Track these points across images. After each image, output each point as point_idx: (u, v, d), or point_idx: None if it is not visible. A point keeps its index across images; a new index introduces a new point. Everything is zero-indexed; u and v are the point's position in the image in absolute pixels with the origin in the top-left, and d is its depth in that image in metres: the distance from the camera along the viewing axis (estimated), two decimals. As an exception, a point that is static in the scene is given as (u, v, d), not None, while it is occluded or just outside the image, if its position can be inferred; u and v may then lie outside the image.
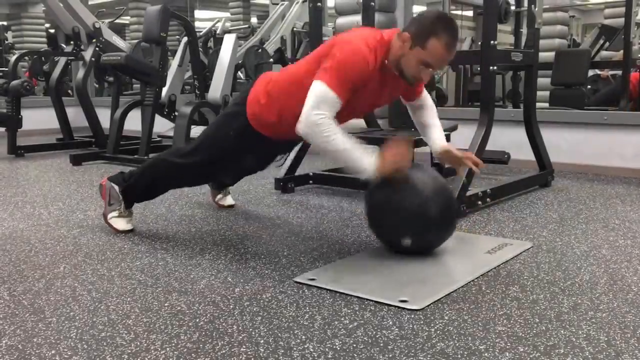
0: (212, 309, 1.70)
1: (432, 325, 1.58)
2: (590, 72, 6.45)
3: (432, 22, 1.98)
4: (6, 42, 12.15)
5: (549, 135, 3.83)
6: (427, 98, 2.43)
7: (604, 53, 7.34)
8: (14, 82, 4.87)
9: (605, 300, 1.75)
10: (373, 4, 3.93)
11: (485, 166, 2.40)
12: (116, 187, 2.51)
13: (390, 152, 2.00)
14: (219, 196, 3.03)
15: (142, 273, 2.02)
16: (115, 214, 2.54)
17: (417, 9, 9.69)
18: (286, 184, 3.44)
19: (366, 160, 1.98)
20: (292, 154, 3.67)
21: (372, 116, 4.01)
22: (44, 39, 12.14)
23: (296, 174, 3.52)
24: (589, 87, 6.45)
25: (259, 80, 2.30)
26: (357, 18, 4.04)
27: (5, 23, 12.34)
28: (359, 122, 4.16)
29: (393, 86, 2.20)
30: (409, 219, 2.07)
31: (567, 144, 4.13)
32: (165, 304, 1.74)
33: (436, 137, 2.37)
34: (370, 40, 2.03)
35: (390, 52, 2.05)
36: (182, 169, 2.41)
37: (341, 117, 2.11)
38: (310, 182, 3.57)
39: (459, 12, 10.01)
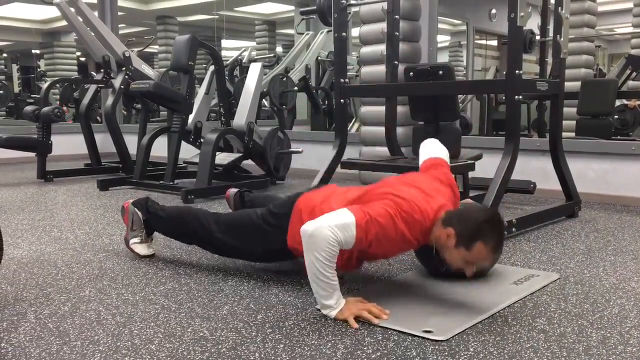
0: (234, 336, 1.70)
1: (457, 357, 1.56)
2: (618, 103, 6.39)
3: (479, 225, 1.86)
4: (39, 70, 12.49)
5: (575, 166, 3.79)
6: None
7: (631, 83, 7.27)
8: (46, 109, 4.99)
9: (636, 335, 1.71)
10: (397, 34, 3.96)
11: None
12: (140, 215, 2.53)
13: (362, 305, 1.86)
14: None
15: (166, 298, 2.03)
16: (137, 240, 2.56)
17: (442, 38, 9.75)
18: (310, 212, 3.43)
19: (333, 301, 1.83)
20: (315, 181, 3.68)
21: (395, 144, 4.02)
22: (75, 67, 12.45)
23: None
24: (616, 117, 6.39)
25: (305, 204, 2.15)
26: (382, 47, 4.08)
27: (38, 52, 12.70)
28: (383, 151, 4.17)
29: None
30: None
31: (594, 174, 4.08)
32: (189, 330, 1.74)
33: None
34: (415, 223, 1.90)
35: (433, 232, 1.94)
36: (204, 243, 2.43)
37: (353, 264, 2.09)
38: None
39: (483, 42, 10.04)
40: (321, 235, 1.78)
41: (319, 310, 1.90)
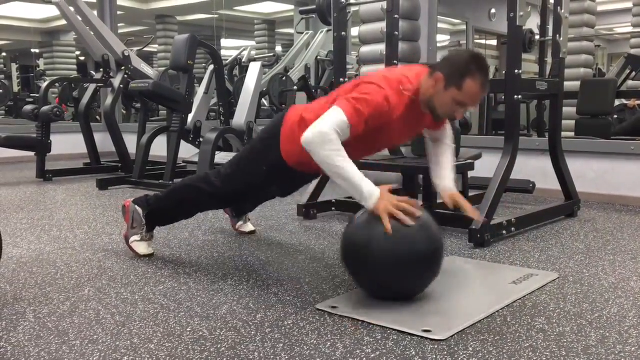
0: (233, 335, 1.70)
1: (456, 356, 1.56)
2: (617, 102, 6.39)
3: (466, 62, 1.99)
4: (38, 69, 12.48)
5: (574, 165, 3.79)
6: (448, 135, 2.42)
7: (630, 83, 7.28)
8: (45, 108, 4.99)
9: (634, 334, 1.71)
10: (397, 33, 3.96)
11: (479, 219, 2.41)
12: (140, 211, 2.53)
13: (396, 199, 1.90)
14: (240, 223, 3.04)
15: (165, 297, 2.03)
16: (137, 237, 2.56)
17: (441, 37, 9.75)
18: (309, 211, 3.45)
19: (368, 188, 1.90)
20: (315, 180, 3.67)
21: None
22: (75, 66, 12.44)
23: (319, 200, 3.53)
24: (615, 116, 6.39)
25: (290, 114, 2.28)
26: (381, 47, 4.08)
27: (37, 51, 12.69)
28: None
29: (418, 123, 2.20)
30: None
31: (593, 173, 4.08)
32: (188, 329, 1.74)
33: (445, 177, 2.34)
34: (394, 82, 2.04)
35: (421, 91, 2.06)
36: (209, 195, 2.43)
37: (360, 150, 2.13)
38: (333, 208, 3.57)
39: (483, 41, 10.05)
40: (318, 133, 1.91)
41: (318, 309, 1.91)
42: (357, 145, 2.06)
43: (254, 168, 2.32)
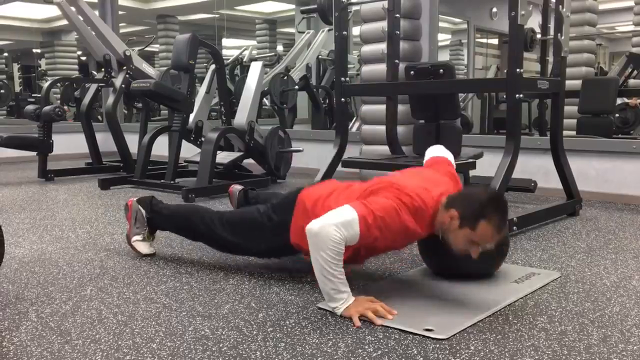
0: (235, 334, 1.70)
1: (458, 355, 1.56)
2: (618, 101, 6.38)
3: (482, 205, 1.89)
4: (39, 69, 12.50)
5: (576, 164, 3.79)
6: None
7: (632, 81, 7.27)
8: (46, 108, 4.99)
9: (636, 333, 1.71)
10: (398, 32, 3.96)
11: None
12: (143, 212, 2.54)
13: (370, 302, 1.87)
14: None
15: (166, 297, 2.03)
16: (139, 237, 2.57)
17: (442, 36, 9.74)
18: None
19: (342, 295, 1.84)
20: (317, 180, 3.67)
21: (396, 143, 4.02)
22: (76, 66, 12.45)
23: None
24: (617, 115, 6.38)
25: (307, 198, 2.15)
26: (382, 46, 4.08)
27: (39, 50, 12.70)
28: (384, 149, 4.17)
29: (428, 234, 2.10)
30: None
31: (595, 172, 4.08)
32: (190, 329, 1.74)
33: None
34: (417, 205, 1.92)
35: (437, 218, 1.97)
36: (208, 240, 2.44)
37: (361, 257, 2.12)
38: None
39: (484, 40, 10.04)
40: (326, 234, 1.79)
41: (320, 308, 1.91)
42: (359, 249, 2.01)
43: (254, 243, 2.28)
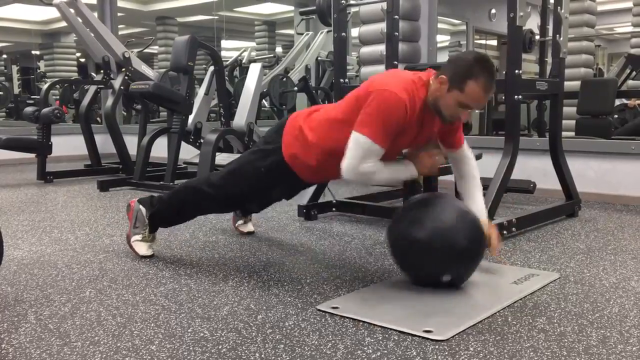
0: (234, 336, 1.70)
1: (457, 356, 1.56)
2: (617, 102, 6.39)
3: (469, 64, 1.98)
4: (38, 70, 12.49)
5: (575, 165, 3.79)
6: (469, 156, 2.37)
7: (630, 82, 7.28)
8: (45, 110, 4.99)
9: (636, 334, 1.71)
10: (397, 33, 3.96)
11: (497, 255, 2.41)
12: (144, 211, 2.54)
13: (423, 155, 2.18)
14: (240, 222, 3.05)
15: (166, 299, 2.03)
16: (138, 237, 2.57)
17: (441, 38, 9.76)
18: (309, 211, 3.45)
19: (405, 172, 2.18)
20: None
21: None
22: (75, 68, 12.44)
23: (319, 201, 3.53)
24: (615, 116, 6.39)
25: (292, 120, 2.30)
26: (381, 47, 4.08)
27: (38, 52, 12.69)
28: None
29: (431, 124, 2.19)
30: (440, 255, 2.05)
31: (594, 173, 4.08)
32: (189, 330, 1.74)
33: (479, 210, 2.26)
34: (408, 84, 2.04)
35: (429, 94, 2.07)
36: (211, 198, 2.44)
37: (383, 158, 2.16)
38: (334, 209, 3.57)
39: (483, 41, 10.05)
40: (359, 174, 2.06)
41: (319, 310, 1.91)
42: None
43: (253, 168, 2.33)
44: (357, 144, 2.03)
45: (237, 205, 2.67)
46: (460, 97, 1.99)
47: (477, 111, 8.00)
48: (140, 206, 2.55)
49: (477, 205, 2.28)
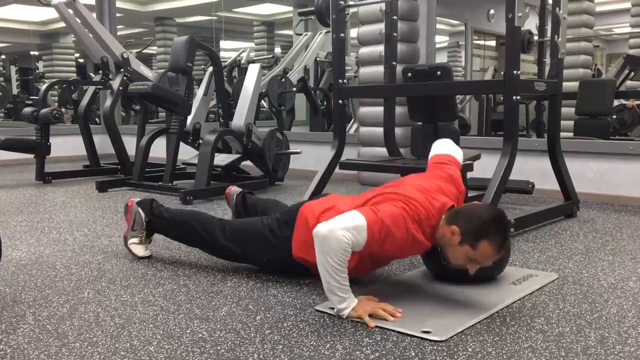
0: (233, 337, 1.70)
1: (456, 357, 1.56)
2: (616, 102, 6.40)
3: (484, 224, 1.87)
4: (37, 71, 12.48)
5: (574, 165, 3.79)
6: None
7: (629, 83, 7.28)
8: (44, 110, 4.99)
9: (634, 334, 1.71)
10: (395, 34, 3.97)
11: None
12: (142, 215, 2.53)
13: (376, 302, 1.89)
14: None
15: (164, 299, 2.03)
16: (136, 240, 2.56)
17: (440, 38, 9.76)
18: (308, 212, 3.43)
19: (346, 300, 1.84)
20: (315, 181, 3.68)
21: (394, 145, 4.02)
22: (74, 69, 12.43)
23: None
24: (614, 117, 6.39)
25: (303, 215, 2.14)
26: (380, 48, 4.08)
27: (36, 53, 12.68)
28: (382, 151, 4.18)
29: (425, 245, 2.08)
30: None
31: (592, 174, 4.08)
32: (187, 331, 1.74)
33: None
34: (421, 215, 1.92)
35: (437, 230, 1.97)
36: (209, 249, 2.44)
37: (366, 267, 2.11)
38: (332, 210, 3.56)
39: (481, 42, 10.05)
40: (334, 238, 1.78)
41: (317, 310, 1.91)
42: (366, 262, 2.05)
43: (256, 256, 2.30)
44: (349, 216, 1.86)
45: (232, 259, 2.50)
46: (471, 254, 1.88)
47: (474, 112, 8.01)
48: (139, 209, 2.53)
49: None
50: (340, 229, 1.79)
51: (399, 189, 2.03)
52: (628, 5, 8.25)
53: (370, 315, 1.81)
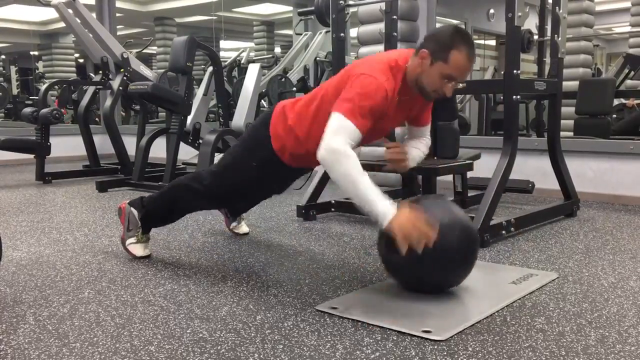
0: (233, 337, 1.70)
1: (456, 356, 1.56)
2: (616, 102, 6.40)
3: (450, 35, 2.00)
4: (37, 71, 12.48)
5: (574, 165, 3.79)
6: (427, 137, 2.46)
7: (629, 82, 7.28)
8: (44, 111, 4.99)
9: (634, 334, 1.71)
10: (395, 34, 3.97)
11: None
12: (135, 213, 2.54)
13: (414, 220, 1.81)
14: (234, 224, 3.04)
15: (164, 299, 2.03)
16: (133, 240, 2.57)
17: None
18: (308, 212, 3.45)
19: (382, 206, 1.83)
20: (315, 181, 3.68)
21: (391, 136, 4.01)
22: (73, 69, 12.43)
23: (318, 201, 3.53)
24: (614, 116, 6.39)
25: (277, 110, 2.31)
26: (380, 48, 4.08)
27: (36, 53, 12.69)
28: (381, 150, 4.17)
29: (411, 105, 2.22)
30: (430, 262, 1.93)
31: (592, 173, 4.08)
32: (188, 331, 1.74)
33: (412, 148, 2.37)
34: (385, 68, 2.04)
35: (408, 72, 2.07)
36: (201, 195, 2.44)
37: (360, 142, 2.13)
38: (332, 209, 3.57)
39: (481, 42, 10.05)
40: (332, 150, 1.89)
41: (318, 310, 1.91)
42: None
43: (244, 164, 2.34)
44: (333, 121, 1.96)
45: (228, 200, 2.62)
46: (445, 69, 1.98)
47: (474, 111, 8.01)
48: (132, 208, 2.55)
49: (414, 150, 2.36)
50: (332, 143, 1.90)
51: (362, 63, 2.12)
52: (628, 4, 8.25)
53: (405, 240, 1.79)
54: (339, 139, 1.91)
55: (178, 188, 2.52)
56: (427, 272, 1.95)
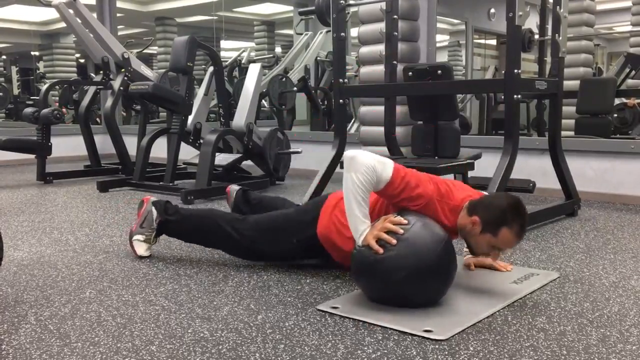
0: (234, 336, 1.70)
1: (457, 356, 1.56)
2: (616, 101, 6.39)
3: (503, 212, 1.96)
4: (38, 71, 12.49)
5: (574, 164, 3.79)
6: None
7: (630, 81, 7.28)
8: (45, 111, 4.99)
9: (635, 333, 1.71)
10: (396, 33, 3.97)
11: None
12: (154, 214, 2.52)
13: (381, 223, 1.97)
14: None
15: (166, 299, 2.03)
16: (141, 237, 2.56)
17: (440, 37, 9.75)
18: (309, 212, 3.44)
19: (361, 227, 1.97)
20: (316, 180, 3.68)
21: (395, 144, 4.02)
22: (74, 69, 12.44)
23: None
24: (615, 115, 6.39)
25: (330, 199, 2.31)
26: (380, 47, 4.08)
27: (37, 53, 12.69)
28: (382, 150, 4.17)
29: None
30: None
31: (593, 172, 4.08)
32: (189, 331, 1.74)
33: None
34: (447, 203, 2.05)
35: (458, 221, 2.04)
36: (233, 243, 2.43)
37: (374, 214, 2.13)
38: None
39: (482, 41, 10.05)
40: (362, 160, 1.94)
41: (319, 310, 1.91)
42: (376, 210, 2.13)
43: (286, 236, 2.34)
44: (380, 157, 2.01)
45: (255, 257, 2.52)
46: (493, 241, 1.99)
47: (475, 111, 8.01)
48: (153, 208, 2.53)
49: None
50: (369, 156, 1.97)
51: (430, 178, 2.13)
52: (629, 3, 8.24)
53: (377, 240, 1.91)
54: (375, 163, 1.95)
55: (214, 224, 2.45)
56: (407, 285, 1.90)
